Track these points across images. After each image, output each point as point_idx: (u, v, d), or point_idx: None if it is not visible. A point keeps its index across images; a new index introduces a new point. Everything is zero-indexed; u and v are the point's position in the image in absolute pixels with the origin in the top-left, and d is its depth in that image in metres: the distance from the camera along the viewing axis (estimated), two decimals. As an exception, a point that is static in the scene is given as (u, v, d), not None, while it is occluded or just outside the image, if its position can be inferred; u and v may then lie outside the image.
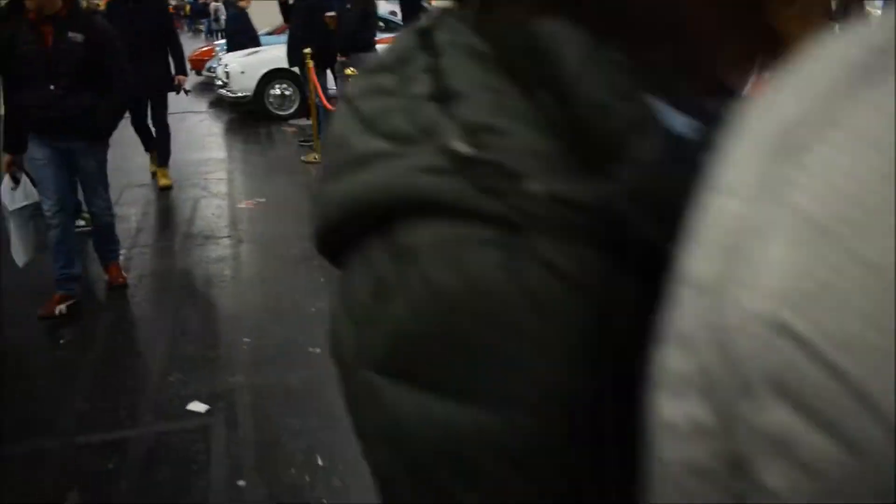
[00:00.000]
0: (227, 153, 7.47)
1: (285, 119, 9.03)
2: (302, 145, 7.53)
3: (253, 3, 10.08)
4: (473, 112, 0.32)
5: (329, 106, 6.32)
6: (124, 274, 3.97)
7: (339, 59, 6.70)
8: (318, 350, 3.22)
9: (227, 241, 4.70)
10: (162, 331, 3.47)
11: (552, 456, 0.30)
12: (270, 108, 8.98)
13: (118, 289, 3.91)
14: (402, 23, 11.03)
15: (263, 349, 3.27)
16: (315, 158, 6.81)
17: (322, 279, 4.02)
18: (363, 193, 0.33)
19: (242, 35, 9.62)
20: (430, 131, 0.32)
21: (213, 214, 5.33)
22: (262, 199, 5.59)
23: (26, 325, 3.49)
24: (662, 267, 0.26)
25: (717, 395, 0.21)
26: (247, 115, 9.49)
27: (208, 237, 4.78)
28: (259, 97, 8.88)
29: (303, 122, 8.90)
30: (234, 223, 5.09)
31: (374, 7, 6.71)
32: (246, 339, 3.35)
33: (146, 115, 5.79)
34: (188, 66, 11.26)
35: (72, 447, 2.62)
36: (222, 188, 6.06)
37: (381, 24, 9.54)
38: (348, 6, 6.54)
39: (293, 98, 9.03)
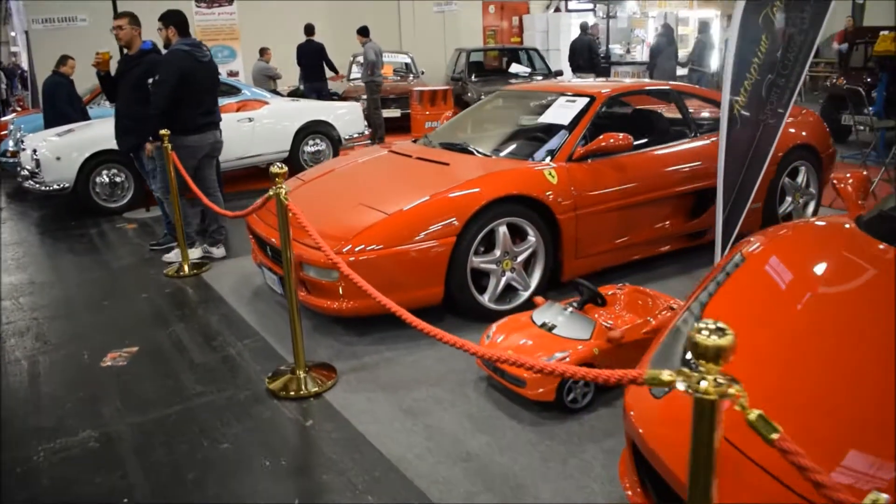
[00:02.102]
0: (56, 271, 5.54)
1: (118, 212, 7.16)
2: (154, 249, 5.80)
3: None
4: None
5: (203, 198, 4.78)
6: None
7: (150, 142, 5.19)
8: None
9: (104, 434, 3.04)
10: None
11: None
12: (97, 199, 7.07)
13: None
14: (249, 85, 9.50)
15: None
16: (185, 271, 5.17)
17: (295, 501, 2.57)
18: None
19: (66, 107, 7.65)
20: None
21: (66, 382, 3.58)
22: (134, 348, 3.92)
23: None
24: None
25: None
26: (62, 208, 7.48)
27: (72, 432, 3.08)
28: (82, 187, 6.95)
29: (142, 214, 7.13)
30: (105, 396, 3.41)
31: (189, 76, 5.01)
32: None
33: None
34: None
35: None
36: (67, 331, 4.25)
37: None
38: (155, 77, 5.04)
39: (126, 185, 7.22)
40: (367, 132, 8.90)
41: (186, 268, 5.22)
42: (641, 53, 13.35)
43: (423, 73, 13.33)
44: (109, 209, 7.12)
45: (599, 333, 3.17)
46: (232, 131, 6.57)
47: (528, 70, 11.51)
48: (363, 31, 10.60)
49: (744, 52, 3.61)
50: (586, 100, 4.58)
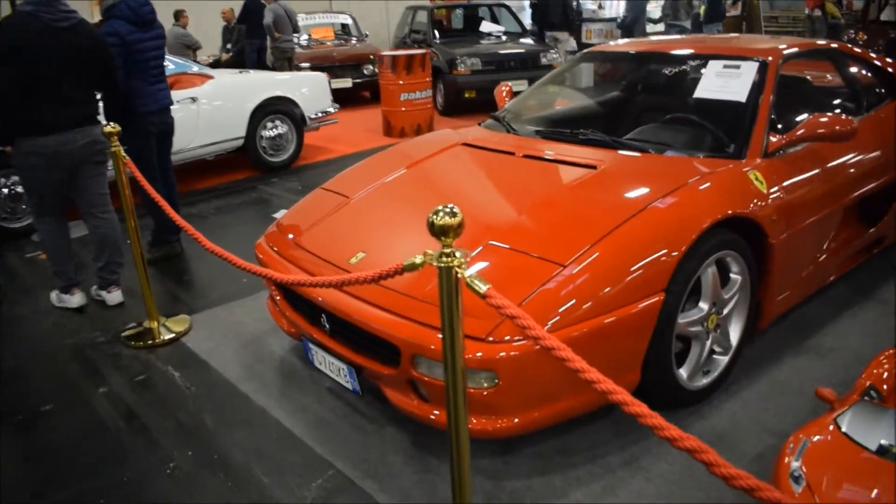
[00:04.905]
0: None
1: (23, 234, 5.21)
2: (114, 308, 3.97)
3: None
4: None
5: (178, 221, 3.13)
6: None
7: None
8: None
9: None
10: None
11: None
12: (-10, 218, 5.11)
13: None
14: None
15: None
16: (157, 337, 3.47)
17: None
18: None
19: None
20: None
21: None
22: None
23: None
24: None
25: None
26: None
27: None
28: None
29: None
30: None
31: (28, 51, 3.34)
32: None
33: None
34: None
35: None
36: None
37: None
38: None
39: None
40: (335, 110, 7.18)
41: (156, 327, 3.51)
42: (611, 9, 12.13)
43: (367, 35, 11.55)
44: (11, 231, 5.17)
45: None
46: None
47: (502, 29, 10.01)
48: None
49: None
50: (754, 65, 3.18)
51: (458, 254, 1.56)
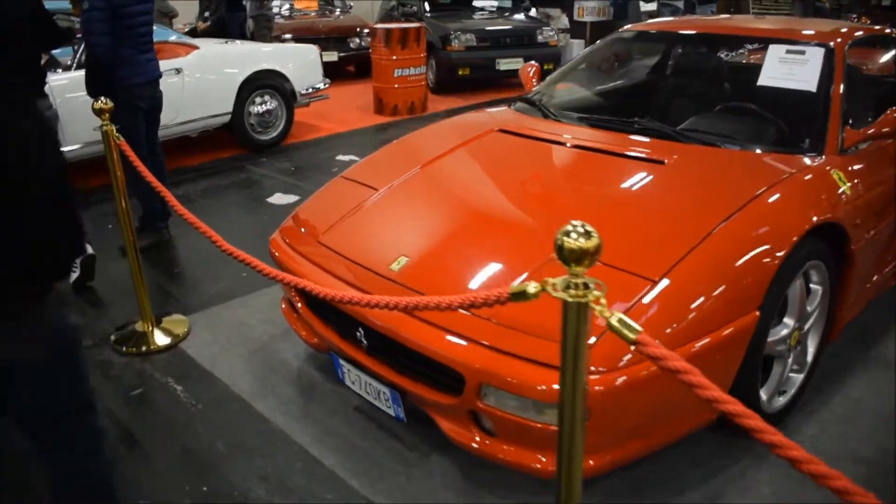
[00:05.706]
0: None
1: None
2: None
3: None
4: None
5: (182, 211, 2.82)
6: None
7: None
8: None
9: None
10: None
11: None
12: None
13: None
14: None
15: None
16: (151, 343, 3.10)
17: None
18: None
19: None
20: None
21: None
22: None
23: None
24: None
25: None
26: None
27: None
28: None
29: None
30: None
31: None
32: None
33: None
34: None
35: None
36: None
37: None
38: None
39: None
40: (325, 85, 6.76)
41: (149, 330, 3.14)
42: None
43: (351, 7, 11.04)
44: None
45: None
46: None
47: (495, 4, 9.60)
48: None
49: None
50: (820, 50, 2.89)
51: (591, 285, 1.25)
